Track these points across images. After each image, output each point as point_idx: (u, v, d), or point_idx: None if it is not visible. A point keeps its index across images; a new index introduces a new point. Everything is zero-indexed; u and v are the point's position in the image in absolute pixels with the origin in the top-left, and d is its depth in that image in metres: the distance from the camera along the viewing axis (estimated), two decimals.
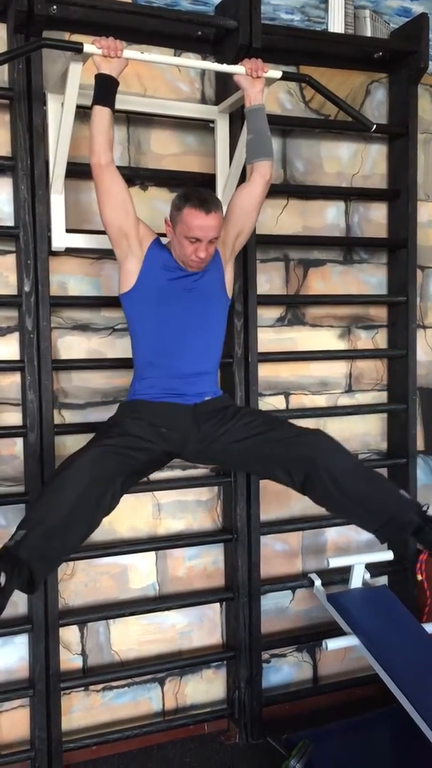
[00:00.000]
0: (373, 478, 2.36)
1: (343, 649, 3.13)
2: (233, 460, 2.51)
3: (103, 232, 2.56)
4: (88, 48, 2.18)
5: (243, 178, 2.69)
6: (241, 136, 2.62)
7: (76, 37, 2.62)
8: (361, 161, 3.23)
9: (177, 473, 2.94)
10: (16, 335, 2.69)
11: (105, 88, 2.23)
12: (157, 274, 2.38)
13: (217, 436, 2.35)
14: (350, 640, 2.72)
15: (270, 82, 2.48)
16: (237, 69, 2.43)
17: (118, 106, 2.40)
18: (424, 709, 2.42)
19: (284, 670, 3.17)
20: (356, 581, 2.94)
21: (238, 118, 2.79)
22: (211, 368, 2.49)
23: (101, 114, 2.24)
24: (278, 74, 2.45)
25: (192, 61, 2.71)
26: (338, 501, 2.29)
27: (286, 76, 2.47)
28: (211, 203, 2.32)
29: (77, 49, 2.18)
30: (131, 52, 2.26)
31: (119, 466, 2.22)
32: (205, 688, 3.04)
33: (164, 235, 2.45)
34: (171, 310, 2.38)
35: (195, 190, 2.40)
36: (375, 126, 2.62)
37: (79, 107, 2.39)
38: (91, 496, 2.15)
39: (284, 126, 3.05)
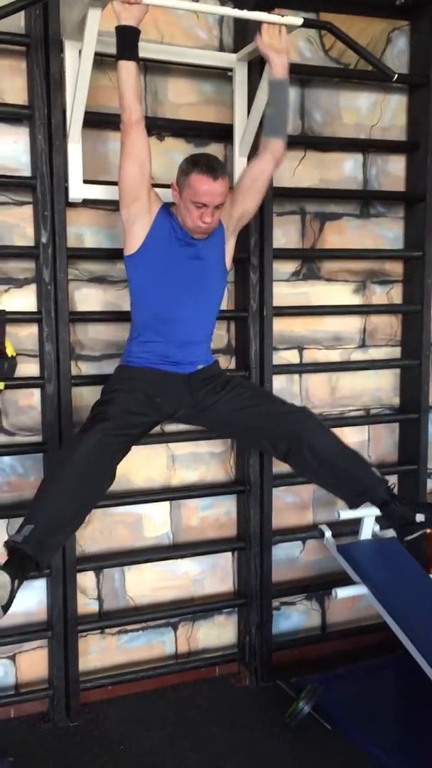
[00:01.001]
0: (350, 456, 2.51)
1: (350, 598, 3.23)
2: (221, 428, 2.67)
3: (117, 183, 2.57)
4: None
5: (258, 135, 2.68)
6: (260, 87, 2.59)
7: None
8: (380, 112, 3.18)
9: (190, 426, 2.98)
10: (33, 287, 2.70)
11: (128, 41, 2.19)
12: (162, 240, 2.40)
13: (208, 405, 2.46)
14: (359, 589, 2.78)
15: (291, 29, 2.43)
16: (260, 16, 2.38)
17: None
18: (431, 655, 2.49)
19: (293, 617, 3.26)
20: (366, 533, 3.00)
21: (257, 66, 2.75)
22: (206, 337, 2.55)
23: (128, 69, 2.21)
24: (299, 21, 2.39)
25: (213, 7, 2.65)
26: (317, 473, 2.47)
27: (307, 23, 2.42)
28: (218, 169, 2.32)
29: None
30: None
31: (117, 447, 2.33)
32: (217, 633, 3.13)
33: (172, 204, 2.44)
34: (173, 277, 2.42)
35: (203, 155, 2.42)
36: (396, 75, 2.58)
37: (97, 54, 2.35)
38: (92, 485, 2.28)
39: (303, 75, 3.00)
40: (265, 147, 2.48)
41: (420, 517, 2.46)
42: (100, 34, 2.28)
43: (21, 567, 2.13)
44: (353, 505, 2.54)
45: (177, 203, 2.40)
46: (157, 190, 2.49)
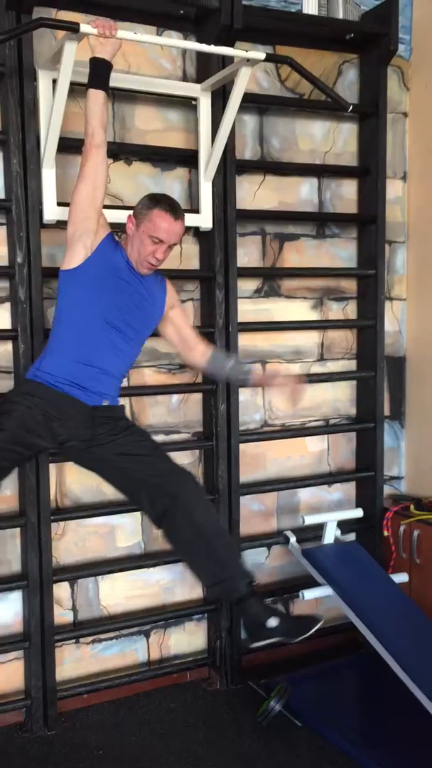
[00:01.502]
0: (224, 537, 2.44)
1: (314, 601, 3.37)
2: (103, 469, 2.51)
3: None
4: (84, 28, 2.26)
5: (227, 151, 2.85)
6: (225, 117, 2.75)
7: (64, 14, 2.71)
8: (333, 139, 3.38)
9: (160, 438, 3.09)
10: (7, 305, 2.78)
11: (100, 72, 2.31)
12: (106, 266, 2.40)
13: (103, 443, 2.41)
14: (325, 590, 2.92)
15: (254, 62, 2.59)
16: (227, 51, 2.56)
17: None
18: (393, 649, 2.64)
19: None
20: (329, 537, 3.15)
21: (219, 96, 2.91)
22: (120, 374, 2.51)
23: (96, 97, 2.32)
24: (261, 56, 2.56)
25: (184, 42, 2.79)
26: (187, 543, 2.37)
27: (269, 58, 2.58)
28: (179, 211, 2.42)
29: (74, 28, 2.26)
30: (124, 33, 2.34)
31: (3, 463, 2.34)
32: (188, 639, 3.22)
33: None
34: (107, 304, 2.40)
35: (164, 195, 2.49)
36: (351, 106, 2.76)
37: (70, 83, 2.47)
38: None
39: (261, 104, 3.17)
40: (207, 354, 2.65)
41: (272, 622, 2.36)
42: (74, 65, 2.40)
43: None
44: (210, 592, 2.49)
45: (129, 235, 2.43)
46: (113, 212, 2.62)
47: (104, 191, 2.42)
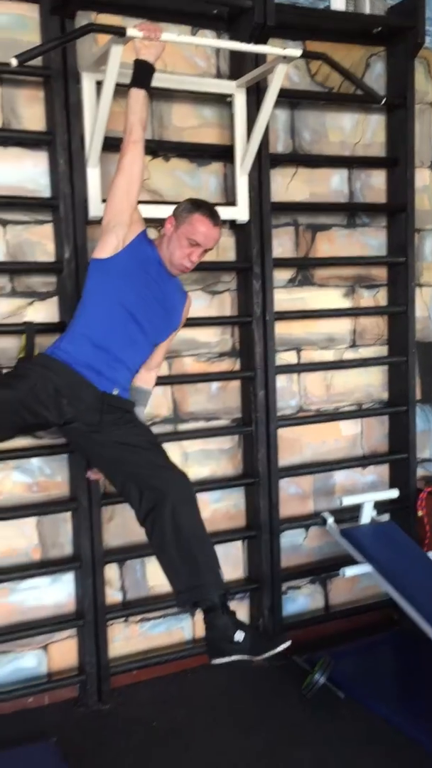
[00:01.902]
0: (206, 543, 2.36)
1: (350, 581, 3.50)
2: (100, 456, 2.52)
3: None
4: (130, 32, 2.36)
5: (262, 147, 2.94)
6: (261, 114, 2.84)
7: (103, 17, 2.82)
8: (362, 131, 3.47)
9: (201, 424, 3.21)
10: (54, 300, 2.90)
11: (143, 73, 2.41)
12: (135, 260, 2.47)
13: (106, 429, 2.44)
14: (364, 568, 3.03)
15: (290, 60, 2.69)
16: (264, 49, 2.65)
17: None
18: None
19: (299, 600, 3.50)
20: (366, 517, 3.26)
21: (254, 92, 3.01)
22: (134, 366, 2.57)
23: (138, 96, 2.42)
24: (298, 53, 2.66)
25: (228, 43, 2.87)
26: (167, 543, 2.30)
27: (305, 54, 2.68)
28: (218, 218, 2.51)
29: (121, 33, 2.36)
30: (168, 35, 2.44)
31: (4, 419, 2.35)
32: None
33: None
34: (131, 298, 2.47)
35: (206, 201, 2.58)
36: (384, 99, 2.85)
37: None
38: None
39: (292, 98, 3.26)
40: (143, 381, 2.69)
41: (239, 636, 2.29)
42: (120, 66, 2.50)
43: None
44: (180, 599, 2.36)
45: (167, 236, 2.51)
46: (153, 207, 2.74)
47: (139, 186, 2.48)
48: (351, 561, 3.14)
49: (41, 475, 2.93)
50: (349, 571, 3.03)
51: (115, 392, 2.47)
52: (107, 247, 2.47)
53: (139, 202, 2.70)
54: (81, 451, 2.65)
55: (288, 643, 2.41)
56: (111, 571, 3.06)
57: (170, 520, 2.28)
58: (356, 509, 3.29)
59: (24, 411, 2.35)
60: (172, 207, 2.75)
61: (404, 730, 2.68)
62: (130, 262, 2.47)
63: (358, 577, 3.44)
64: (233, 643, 2.30)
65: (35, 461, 2.91)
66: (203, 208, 2.50)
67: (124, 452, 2.42)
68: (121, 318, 2.47)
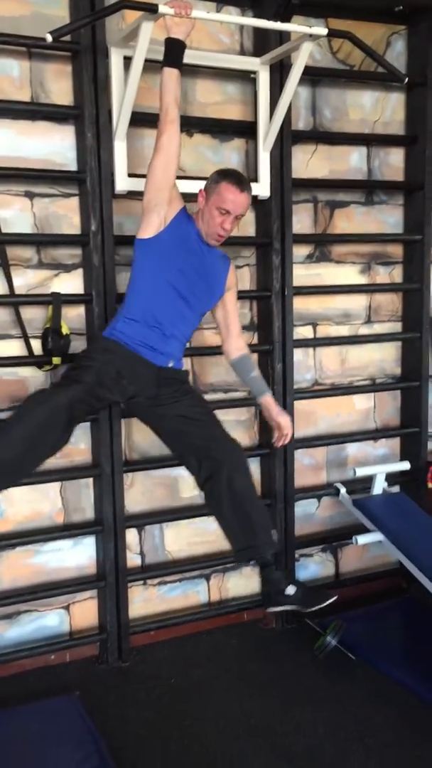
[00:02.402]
0: (259, 507, 2.60)
1: (360, 549, 3.61)
2: (162, 427, 2.70)
3: None
4: (162, 9, 2.41)
5: (284, 125, 2.99)
6: (285, 91, 2.89)
7: None
8: (381, 109, 3.51)
9: (219, 395, 3.29)
10: (80, 272, 2.97)
11: (175, 51, 2.47)
12: (179, 238, 2.57)
13: (165, 403, 2.61)
14: (376, 536, 3.14)
15: (315, 38, 2.73)
16: (292, 27, 2.70)
17: None
18: None
19: (311, 567, 3.61)
20: (377, 488, 3.36)
21: (277, 69, 3.05)
22: (185, 337, 2.71)
23: (171, 75, 2.47)
24: (324, 31, 2.70)
25: (261, 21, 2.84)
26: (225, 507, 2.53)
27: (331, 33, 2.72)
28: (246, 185, 2.56)
29: (153, 9, 2.41)
30: (198, 12, 2.49)
31: (78, 414, 2.50)
32: (244, 582, 3.46)
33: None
34: (178, 274, 2.58)
35: (232, 170, 2.65)
36: (407, 78, 2.89)
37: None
38: (47, 442, 2.44)
39: (314, 76, 3.30)
40: (239, 352, 2.84)
41: (290, 590, 2.55)
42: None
43: None
44: (238, 556, 2.61)
45: (200, 209, 2.60)
46: (182, 182, 2.75)
47: (177, 164, 2.55)
48: (361, 531, 3.25)
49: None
50: (362, 539, 3.13)
51: (170, 365, 2.62)
52: (150, 226, 2.56)
53: None
54: (144, 422, 2.80)
55: (334, 598, 2.62)
56: (131, 535, 3.17)
57: (226, 486, 2.50)
58: (368, 481, 3.40)
59: (92, 399, 2.53)
60: (195, 182, 2.83)
61: (413, 689, 2.79)
62: (172, 240, 2.56)
63: (368, 546, 3.56)
64: (285, 595, 2.57)
65: None
66: (230, 176, 2.57)
67: (183, 425, 2.61)
68: (169, 295, 2.58)
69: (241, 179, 2.58)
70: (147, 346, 2.58)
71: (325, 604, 2.60)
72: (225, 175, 2.58)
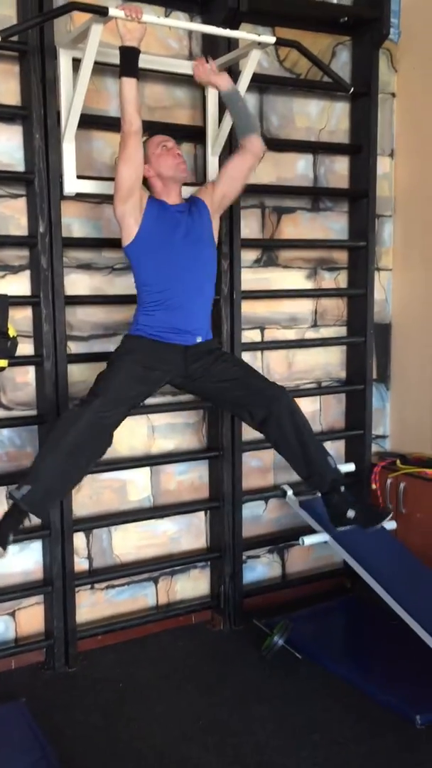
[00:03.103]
0: (315, 438, 2.83)
1: (306, 550, 3.67)
2: (208, 395, 2.93)
3: (105, 179, 2.91)
4: (113, 12, 2.41)
5: (232, 131, 3.02)
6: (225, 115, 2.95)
7: None
8: (327, 117, 3.58)
9: (168, 399, 3.30)
10: (27, 273, 2.94)
11: (130, 60, 2.51)
12: (155, 225, 2.69)
13: (199, 376, 2.76)
14: (323, 537, 3.18)
15: (264, 45, 2.78)
16: (240, 35, 2.73)
17: (114, 60, 2.65)
18: (388, 587, 2.93)
19: (258, 569, 3.64)
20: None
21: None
22: (204, 306, 2.81)
23: (130, 85, 2.51)
24: (272, 39, 2.75)
25: (197, 25, 2.94)
26: (290, 441, 2.75)
27: (279, 42, 2.77)
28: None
29: (103, 12, 2.41)
30: (149, 17, 2.50)
31: (112, 420, 2.62)
32: (192, 585, 3.47)
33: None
34: (170, 256, 2.70)
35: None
36: (352, 88, 2.96)
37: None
38: (86, 456, 2.60)
39: (261, 83, 3.34)
40: (243, 146, 2.81)
41: (351, 513, 2.76)
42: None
43: (18, 519, 2.57)
44: (310, 484, 2.86)
45: (153, 177, 2.74)
46: None
47: (142, 168, 2.66)
48: (307, 532, 3.29)
49: (11, 446, 2.99)
50: (308, 540, 3.17)
51: (198, 340, 2.75)
52: (130, 231, 2.68)
53: (109, 179, 2.84)
54: (193, 394, 3.00)
55: (390, 515, 2.81)
56: (78, 539, 3.14)
57: (289, 420, 2.72)
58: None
59: (125, 400, 2.64)
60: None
61: (358, 685, 2.85)
62: (152, 229, 2.68)
63: (313, 547, 3.62)
64: (347, 518, 2.76)
65: (5, 432, 2.97)
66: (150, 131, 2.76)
67: (224, 389, 2.78)
68: (174, 274, 2.69)
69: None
70: (173, 330, 2.70)
71: (383, 522, 2.78)
72: (149, 136, 2.76)
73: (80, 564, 3.16)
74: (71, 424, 2.55)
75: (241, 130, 2.81)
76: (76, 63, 2.71)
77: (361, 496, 3.63)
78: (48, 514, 2.77)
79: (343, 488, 2.81)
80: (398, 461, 3.62)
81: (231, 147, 3.14)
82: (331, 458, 2.84)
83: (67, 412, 2.74)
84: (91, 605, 3.23)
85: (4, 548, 2.51)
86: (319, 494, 2.87)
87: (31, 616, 3.10)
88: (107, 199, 3.02)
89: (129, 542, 3.29)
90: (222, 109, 3.06)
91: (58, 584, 3.00)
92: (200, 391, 2.89)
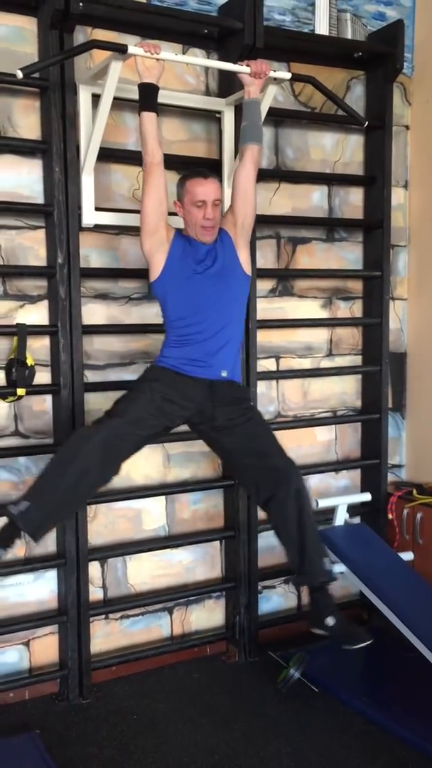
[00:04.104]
0: (316, 534, 2.74)
1: None
2: (223, 451, 2.83)
3: (122, 210, 2.96)
4: (132, 49, 2.47)
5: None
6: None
7: (99, 32, 2.93)
8: (342, 150, 3.63)
9: (184, 427, 3.29)
10: (45, 303, 2.98)
11: (150, 96, 2.58)
12: (180, 261, 2.69)
13: (222, 427, 2.69)
14: (339, 567, 3.16)
15: (279, 81, 2.83)
16: (247, 70, 2.77)
17: (133, 96, 2.71)
18: (406, 618, 2.89)
19: (274, 599, 3.61)
20: (339, 519, 3.39)
21: (241, 110, 3.13)
22: (234, 341, 2.76)
23: (150, 119, 2.57)
24: (288, 75, 2.80)
25: (215, 62, 3.00)
26: (290, 531, 2.66)
27: (295, 77, 2.82)
28: (207, 171, 2.72)
29: (122, 50, 2.47)
30: (167, 54, 2.56)
31: (123, 446, 2.58)
32: (207, 616, 3.45)
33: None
34: (193, 290, 2.69)
35: (192, 168, 2.78)
36: (367, 122, 3.01)
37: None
38: (92, 482, 2.54)
39: (276, 117, 3.40)
40: (243, 153, 2.78)
41: (330, 621, 2.69)
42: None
43: (11, 536, 2.51)
44: (298, 580, 2.78)
45: (184, 219, 2.72)
46: (138, 216, 2.78)
47: (167, 201, 2.69)
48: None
49: (27, 474, 3.00)
50: None
51: (224, 374, 2.68)
52: (157, 266, 2.69)
53: (126, 211, 2.92)
54: (207, 443, 2.88)
55: (369, 642, 2.70)
56: (93, 568, 3.14)
57: (296, 503, 2.62)
58: (330, 512, 3.43)
59: (139, 428, 2.59)
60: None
61: (375, 720, 2.80)
62: (177, 266, 2.68)
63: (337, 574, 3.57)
64: (324, 624, 2.70)
65: (22, 460, 2.99)
66: (191, 173, 2.71)
67: (242, 449, 2.70)
68: (200, 312, 2.67)
69: (201, 170, 2.73)
70: (195, 364, 2.66)
71: (357, 646, 2.69)
72: (187, 175, 2.73)
73: (95, 593, 3.16)
74: (85, 441, 2.49)
75: (249, 138, 2.77)
76: (96, 98, 2.78)
77: (377, 526, 3.61)
78: (41, 537, 2.58)
79: (328, 591, 2.75)
80: (415, 491, 3.60)
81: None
82: (327, 558, 2.77)
83: (82, 428, 2.69)
84: (106, 635, 3.21)
85: None
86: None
87: (46, 646, 3.08)
88: (124, 230, 3.08)
89: (144, 572, 3.28)
90: (238, 142, 3.10)
91: (72, 614, 2.98)
92: (217, 443, 2.79)
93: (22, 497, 2.51)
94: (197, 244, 2.72)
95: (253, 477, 2.70)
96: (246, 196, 2.80)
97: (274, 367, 3.53)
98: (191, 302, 2.68)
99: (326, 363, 3.67)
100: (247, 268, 2.81)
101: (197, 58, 3.12)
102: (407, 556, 3.35)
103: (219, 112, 3.16)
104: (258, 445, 2.70)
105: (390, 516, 3.64)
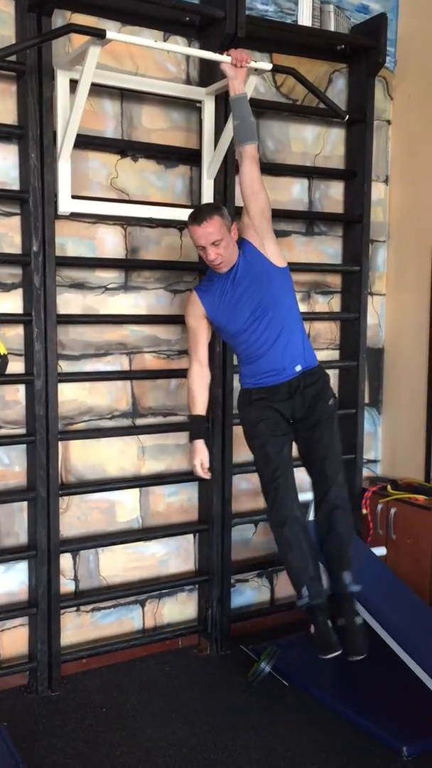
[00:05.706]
0: (349, 547, 2.86)
1: None
2: (299, 444, 2.91)
3: (100, 199, 2.96)
4: (110, 35, 2.43)
5: (228, 154, 3.04)
6: (228, 120, 2.94)
7: (78, 17, 2.89)
8: (323, 143, 3.60)
9: (159, 419, 3.29)
10: (19, 291, 2.93)
11: (198, 427, 2.90)
12: (214, 301, 2.78)
13: (300, 417, 2.80)
14: None
15: (260, 72, 2.80)
16: (228, 59, 2.73)
17: (112, 82, 2.69)
18: (376, 612, 2.90)
19: (246, 593, 3.61)
20: (313, 514, 3.38)
21: (222, 100, 3.11)
22: (291, 333, 2.79)
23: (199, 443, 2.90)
24: (269, 66, 2.77)
25: (196, 51, 2.95)
26: (325, 537, 2.87)
27: (276, 69, 2.79)
28: (204, 213, 2.66)
29: (101, 35, 2.43)
30: (147, 40, 2.51)
31: (284, 446, 2.80)
32: (179, 608, 3.43)
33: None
34: (235, 315, 2.75)
35: (194, 210, 2.75)
36: (348, 116, 2.98)
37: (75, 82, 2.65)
38: (303, 529, 2.84)
39: (257, 108, 3.35)
40: (241, 154, 2.72)
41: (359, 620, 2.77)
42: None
43: (319, 615, 2.75)
44: (338, 578, 2.84)
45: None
46: (120, 206, 2.89)
47: (208, 327, 2.86)
48: None
49: (0, 465, 2.96)
50: None
51: (298, 369, 2.78)
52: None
53: (104, 199, 2.93)
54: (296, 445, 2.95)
55: (362, 656, 2.74)
56: (65, 560, 3.11)
57: (328, 512, 2.84)
58: (305, 506, 3.41)
59: (281, 445, 2.80)
60: (138, 207, 2.96)
61: (345, 714, 2.81)
62: (216, 305, 2.78)
63: None
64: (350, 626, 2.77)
65: None
66: (190, 218, 2.70)
67: (312, 441, 2.82)
68: (248, 335, 2.76)
69: (197, 215, 2.68)
70: (271, 374, 2.77)
71: (356, 658, 2.74)
72: (188, 220, 2.70)
73: (66, 585, 3.13)
74: (281, 527, 2.81)
75: (243, 138, 2.71)
76: (73, 84, 2.73)
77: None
78: (321, 588, 2.81)
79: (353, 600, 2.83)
80: (389, 486, 3.60)
81: (226, 170, 3.16)
82: (350, 572, 2.84)
83: (271, 516, 2.89)
84: (76, 628, 3.18)
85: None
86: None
87: (15, 639, 3.05)
88: (101, 219, 3.05)
89: (116, 564, 3.25)
90: (218, 132, 3.08)
91: (43, 606, 2.95)
92: (297, 436, 2.86)
93: (298, 592, 2.79)
94: (220, 280, 2.75)
95: (312, 474, 2.88)
96: (254, 193, 2.75)
97: None
98: (239, 328, 2.76)
99: None
100: (278, 261, 2.79)
101: (178, 45, 3.07)
102: (380, 551, 3.36)
103: (199, 102, 3.12)
104: (321, 448, 2.81)
105: (364, 511, 3.64)
